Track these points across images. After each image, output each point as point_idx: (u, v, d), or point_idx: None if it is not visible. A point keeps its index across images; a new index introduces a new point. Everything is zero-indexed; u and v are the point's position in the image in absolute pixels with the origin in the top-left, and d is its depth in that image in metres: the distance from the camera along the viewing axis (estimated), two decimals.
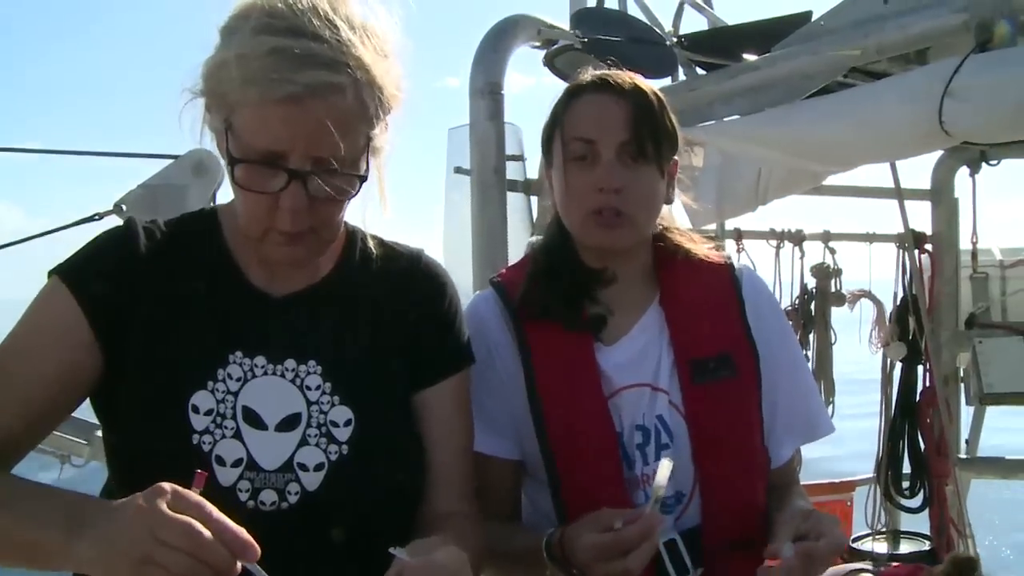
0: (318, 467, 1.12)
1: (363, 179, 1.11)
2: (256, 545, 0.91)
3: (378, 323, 1.23)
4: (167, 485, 0.92)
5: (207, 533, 0.89)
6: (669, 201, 1.45)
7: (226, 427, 1.11)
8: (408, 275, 1.28)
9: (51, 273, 1.14)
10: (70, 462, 3.10)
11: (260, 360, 1.15)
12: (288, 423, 1.13)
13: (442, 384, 1.25)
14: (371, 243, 1.27)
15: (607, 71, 1.40)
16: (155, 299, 1.14)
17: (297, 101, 1.01)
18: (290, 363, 1.16)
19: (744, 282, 1.48)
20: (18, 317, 1.14)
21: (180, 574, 0.88)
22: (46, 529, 0.97)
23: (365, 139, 1.09)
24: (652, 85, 1.41)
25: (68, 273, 1.13)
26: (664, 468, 1.16)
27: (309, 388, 1.15)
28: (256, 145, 1.04)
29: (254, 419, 1.12)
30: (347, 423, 1.15)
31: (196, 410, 1.10)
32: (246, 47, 1.02)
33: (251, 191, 1.07)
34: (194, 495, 0.92)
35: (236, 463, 1.10)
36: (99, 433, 2.62)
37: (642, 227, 1.40)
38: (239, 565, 0.91)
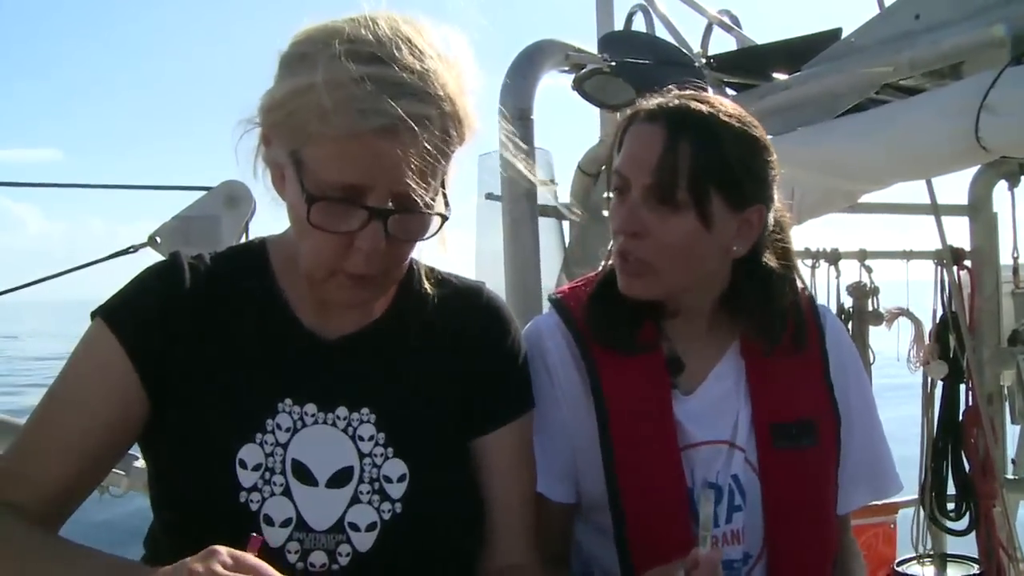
0: (370, 527, 1.06)
1: (445, 219, 1.03)
2: None
3: (435, 366, 1.15)
4: (223, 548, 0.87)
5: None
6: (735, 255, 1.28)
7: (275, 483, 1.05)
8: (467, 314, 1.19)
9: (94, 314, 1.09)
10: (108, 492, 3.11)
11: (310, 408, 1.09)
12: (339, 478, 1.07)
13: (503, 430, 1.17)
14: (427, 279, 1.18)
15: (671, 97, 1.27)
16: (200, 341, 1.09)
17: (388, 133, 0.93)
18: (342, 411, 1.09)
19: (828, 332, 1.39)
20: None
21: None
22: None
23: (443, 174, 1.01)
24: (736, 120, 1.25)
25: (111, 316, 1.08)
26: (706, 504, 1.11)
27: (362, 438, 1.09)
28: (334, 180, 0.96)
29: (304, 474, 1.06)
30: (401, 478, 1.08)
31: (244, 465, 1.05)
32: (333, 73, 0.93)
33: (326, 231, 0.98)
34: (251, 558, 0.88)
35: (285, 523, 1.05)
36: (137, 464, 2.63)
37: (670, 280, 1.26)
38: None
